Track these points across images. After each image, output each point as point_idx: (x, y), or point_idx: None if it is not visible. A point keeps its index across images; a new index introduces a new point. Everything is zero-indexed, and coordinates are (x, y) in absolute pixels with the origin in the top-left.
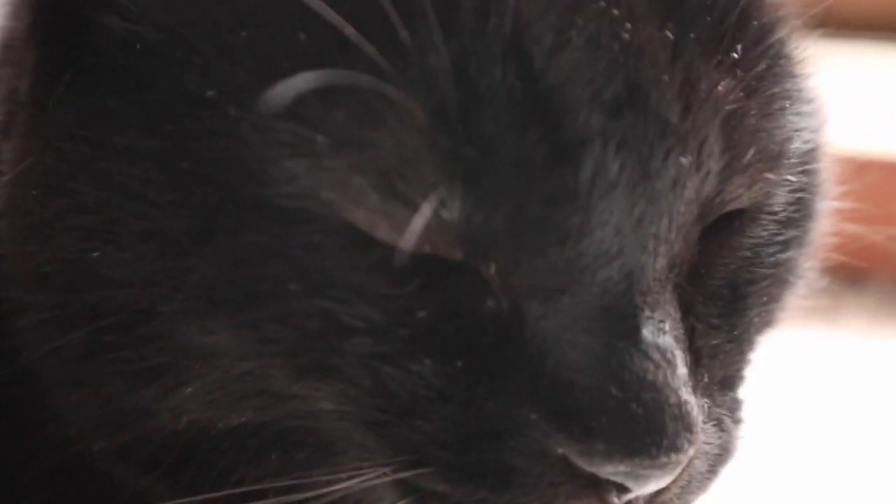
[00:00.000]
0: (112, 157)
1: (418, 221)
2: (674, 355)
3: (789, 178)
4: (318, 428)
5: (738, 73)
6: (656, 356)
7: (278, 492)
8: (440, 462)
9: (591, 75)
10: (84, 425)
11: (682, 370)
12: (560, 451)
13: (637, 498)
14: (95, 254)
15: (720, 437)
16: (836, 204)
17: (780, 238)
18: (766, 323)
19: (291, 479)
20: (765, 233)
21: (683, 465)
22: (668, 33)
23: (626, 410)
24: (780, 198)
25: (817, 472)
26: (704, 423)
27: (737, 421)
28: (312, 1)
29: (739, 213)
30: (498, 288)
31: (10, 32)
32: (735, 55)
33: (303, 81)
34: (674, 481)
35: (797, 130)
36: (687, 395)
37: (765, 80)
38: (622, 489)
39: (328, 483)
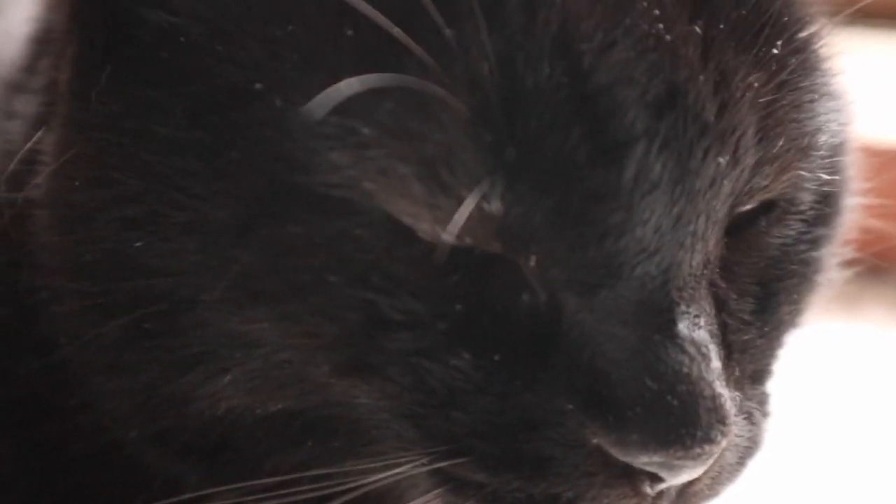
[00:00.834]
0: (155, 148)
1: (462, 213)
2: (708, 349)
3: (818, 173)
4: (356, 417)
5: (773, 67)
6: (691, 350)
7: (314, 480)
8: (477, 452)
9: (637, 76)
10: (121, 413)
11: (716, 364)
12: (595, 441)
13: (669, 488)
14: (138, 244)
15: (750, 430)
16: (861, 199)
17: (809, 237)
18: (796, 319)
19: (327, 469)
20: (792, 232)
21: (716, 456)
22: (698, 30)
23: (661, 402)
24: (808, 195)
25: (839, 462)
26: (736, 415)
27: (765, 414)
28: (355, 0)
29: (767, 212)
30: (536, 281)
31: (48, 24)
32: (769, 51)
33: (347, 86)
34: (705, 472)
35: (825, 123)
36: (721, 388)
37: (795, 74)
38: (655, 479)
39: (364, 473)
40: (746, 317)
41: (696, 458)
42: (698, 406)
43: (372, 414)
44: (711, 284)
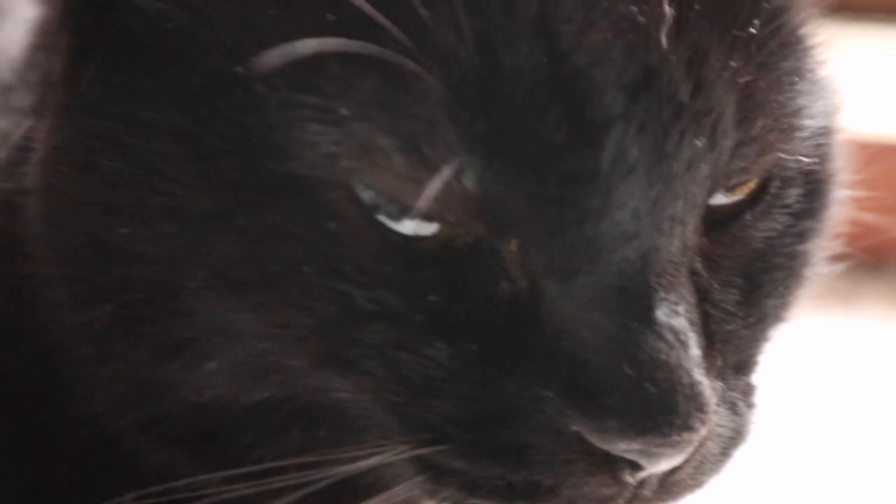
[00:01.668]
0: (138, 132)
1: (436, 183)
2: (687, 337)
3: (801, 157)
4: (338, 406)
5: (752, 48)
6: (670, 337)
7: (300, 468)
8: (456, 439)
9: (615, 57)
10: (111, 400)
11: (696, 352)
12: (574, 428)
13: (650, 477)
14: (122, 230)
15: (733, 421)
16: (850, 192)
17: (795, 230)
18: (782, 313)
19: (313, 456)
20: (779, 225)
21: (695, 444)
22: (672, 10)
23: (639, 389)
24: (794, 189)
25: (835, 456)
26: (718, 405)
27: (750, 405)
28: None
29: (753, 205)
30: (517, 268)
31: (44, 17)
32: (747, 31)
33: (303, 46)
34: (687, 461)
35: (807, 106)
36: (700, 376)
37: (775, 56)
38: (635, 467)
39: (349, 460)
40: (730, 307)
41: (675, 445)
42: (676, 393)
43: (353, 404)
44: (693, 274)
